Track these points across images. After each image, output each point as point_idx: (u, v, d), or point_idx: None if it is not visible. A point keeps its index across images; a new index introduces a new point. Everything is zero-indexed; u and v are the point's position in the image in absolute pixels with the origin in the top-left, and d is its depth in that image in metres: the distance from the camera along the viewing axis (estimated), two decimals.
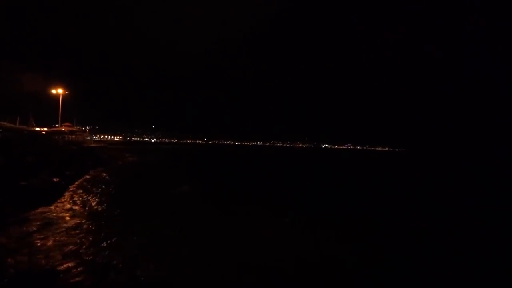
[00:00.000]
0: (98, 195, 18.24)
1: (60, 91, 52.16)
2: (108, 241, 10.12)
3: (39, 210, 13.50)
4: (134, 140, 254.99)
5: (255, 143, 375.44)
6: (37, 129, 46.08)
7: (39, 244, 9.57)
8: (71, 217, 13.00)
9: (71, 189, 19.63)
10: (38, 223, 11.73)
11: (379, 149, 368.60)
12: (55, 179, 19.82)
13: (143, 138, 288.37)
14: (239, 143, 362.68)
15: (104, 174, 28.23)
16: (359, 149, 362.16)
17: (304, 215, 15.61)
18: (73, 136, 51.41)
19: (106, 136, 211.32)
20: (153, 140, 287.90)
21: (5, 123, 34.36)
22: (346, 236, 12.36)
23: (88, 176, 25.95)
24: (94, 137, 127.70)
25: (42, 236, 10.31)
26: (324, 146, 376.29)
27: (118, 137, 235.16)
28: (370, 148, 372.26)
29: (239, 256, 9.63)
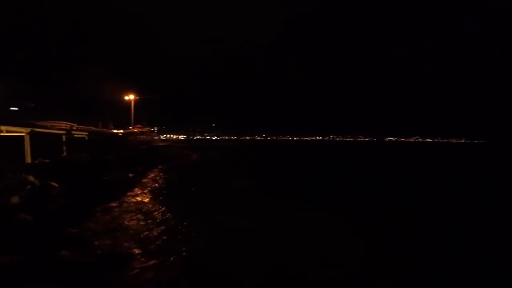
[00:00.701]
0: (166, 188, 20.40)
1: (131, 97, 58.51)
2: (177, 227, 11.57)
3: (119, 199, 15.77)
4: (196, 138, 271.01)
5: (314, 137, 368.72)
6: (115, 131, 52.37)
7: (119, 228, 11.35)
8: (144, 206, 14.95)
9: (143, 182, 22.24)
10: (118, 211, 13.80)
11: (454, 141, 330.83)
12: (130, 174, 22.67)
13: (204, 136, 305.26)
14: (297, 138, 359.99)
15: (170, 170, 31.08)
16: (428, 141, 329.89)
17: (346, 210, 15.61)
18: (143, 137, 57.14)
19: (171, 136, 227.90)
20: (213, 138, 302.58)
21: (91, 127, 39.94)
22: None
23: (156, 171, 28.91)
24: (161, 137, 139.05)
25: (121, 222, 12.17)
26: (389, 139, 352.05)
27: (181, 136, 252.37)
28: (442, 141, 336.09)
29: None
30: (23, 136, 19.47)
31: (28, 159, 19.10)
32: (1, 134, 18.53)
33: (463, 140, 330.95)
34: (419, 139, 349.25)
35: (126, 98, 58.50)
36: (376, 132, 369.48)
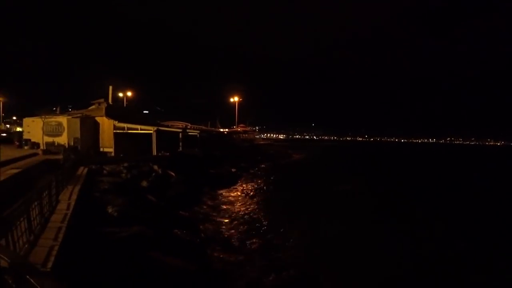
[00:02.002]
0: (266, 185, 21.40)
1: (236, 99, 63.48)
2: (272, 224, 12.06)
3: (222, 191, 17.41)
4: (296, 138, 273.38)
5: (426, 140, 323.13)
6: (221, 130, 57.74)
7: (221, 215, 12.56)
8: (244, 199, 16.10)
9: (244, 177, 23.86)
10: (222, 200, 15.32)
11: None
12: (233, 169, 24.64)
13: (304, 135, 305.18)
14: (405, 140, 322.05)
15: (270, 167, 32.37)
16: None
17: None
18: (246, 135, 61.22)
19: (271, 135, 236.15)
20: (314, 137, 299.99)
21: (202, 126, 45.25)
22: None
23: (257, 168, 30.55)
24: (262, 136, 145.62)
25: (224, 210, 13.44)
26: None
27: (281, 135, 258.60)
28: None
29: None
30: (151, 133, 23.53)
31: (154, 152, 22.96)
32: (138, 131, 22.92)
33: None
34: None
35: (232, 100, 63.73)
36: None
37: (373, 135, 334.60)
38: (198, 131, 38.23)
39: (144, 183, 14.00)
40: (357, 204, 17.40)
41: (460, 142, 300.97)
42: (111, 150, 21.04)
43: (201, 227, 11.00)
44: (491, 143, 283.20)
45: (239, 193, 17.73)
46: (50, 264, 3.82)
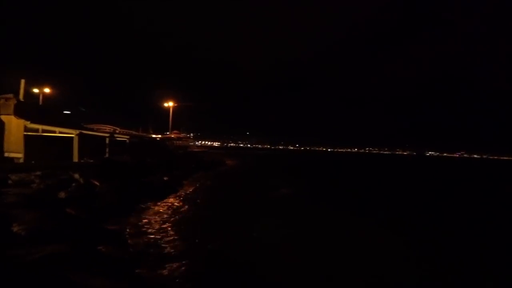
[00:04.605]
0: (202, 193, 20.73)
1: (170, 104, 61.06)
2: (208, 234, 11.61)
3: (155, 201, 16.29)
4: (230, 146, 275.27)
5: (349, 149, 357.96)
6: (154, 136, 54.82)
7: (153, 228, 11.66)
8: (178, 209, 15.27)
9: (178, 186, 22.79)
10: (154, 211, 14.29)
11: (505, 158, 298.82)
12: (165, 178, 23.37)
13: (238, 144, 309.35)
14: (332, 149, 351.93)
15: (207, 176, 31.64)
16: (476, 158, 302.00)
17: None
18: (180, 142, 59.20)
19: (206, 142, 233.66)
20: (248, 146, 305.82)
21: (132, 131, 42.25)
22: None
23: (192, 176, 29.56)
24: (197, 143, 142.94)
25: (156, 222, 12.50)
26: (429, 154, 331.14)
27: (216, 143, 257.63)
28: (492, 157, 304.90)
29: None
30: (72, 137, 21.00)
31: (76, 158, 20.51)
32: (56, 134, 20.19)
33: None
34: (464, 155, 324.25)
35: (166, 105, 61.11)
36: (417, 146, 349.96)
37: (304, 145, 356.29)
38: (127, 137, 35.65)
39: (62, 195, 12.29)
40: (298, 208, 18.03)
41: (377, 152, 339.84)
42: (20, 155, 18.04)
43: (130, 241, 10.04)
44: (400, 153, 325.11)
45: (172, 204, 16.80)
46: None
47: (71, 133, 21.07)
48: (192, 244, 10.23)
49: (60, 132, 20.56)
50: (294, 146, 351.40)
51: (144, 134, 52.48)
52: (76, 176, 14.82)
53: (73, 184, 13.90)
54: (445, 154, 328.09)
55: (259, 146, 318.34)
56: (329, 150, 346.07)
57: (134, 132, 43.54)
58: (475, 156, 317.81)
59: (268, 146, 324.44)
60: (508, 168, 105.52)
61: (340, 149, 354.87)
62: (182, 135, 67.39)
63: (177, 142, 57.68)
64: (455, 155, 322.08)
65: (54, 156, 18.79)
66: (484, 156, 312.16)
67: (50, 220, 8.88)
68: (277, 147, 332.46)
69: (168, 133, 61.72)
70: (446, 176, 55.74)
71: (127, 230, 11.09)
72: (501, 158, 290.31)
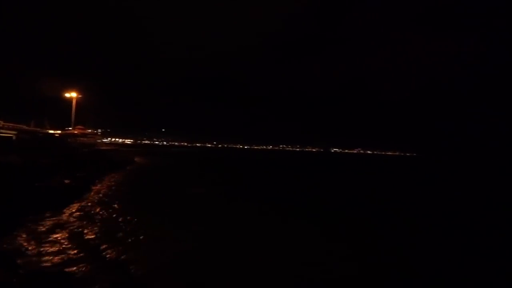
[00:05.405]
0: (110, 196, 18.47)
1: (73, 94, 53.27)
2: (118, 246, 10.25)
3: (53, 210, 13.73)
4: (144, 143, 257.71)
5: (264, 147, 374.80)
6: (51, 131, 46.99)
7: (50, 243, 9.74)
8: (82, 217, 13.19)
9: (83, 190, 19.92)
10: (52, 221, 12.00)
11: (390, 153, 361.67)
12: (66, 181, 20.16)
13: (153, 141, 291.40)
14: (248, 146, 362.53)
15: (117, 176, 28.58)
16: (369, 153, 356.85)
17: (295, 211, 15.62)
18: (85, 139, 52.20)
19: (117, 139, 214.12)
20: (164, 143, 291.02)
21: (21, 125, 35.21)
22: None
23: (100, 177, 26.30)
24: (106, 140, 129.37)
25: (55, 235, 10.49)
26: (334, 150, 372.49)
27: (128, 140, 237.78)
28: (380, 153, 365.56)
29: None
30: None
31: None
32: None
33: (397, 153, 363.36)
34: (361, 151, 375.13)
35: (68, 95, 53.13)
36: (324, 143, 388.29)
37: (221, 142, 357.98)
38: (14, 132, 29.82)
39: None
40: (213, 205, 17.83)
41: (290, 149, 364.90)
42: None
43: (19, 261, 8.18)
44: (310, 149, 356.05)
45: (75, 211, 14.55)
46: None
47: None
48: (94, 259, 8.85)
49: None
50: (212, 143, 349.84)
51: (38, 129, 44.52)
52: None
53: None
54: (346, 151, 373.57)
55: (176, 143, 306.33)
56: (245, 147, 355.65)
57: (25, 127, 36.40)
58: (368, 152, 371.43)
59: (186, 144, 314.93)
60: (389, 160, 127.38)
61: (256, 146, 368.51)
62: (89, 131, 59.80)
63: (82, 139, 50.72)
64: (354, 151, 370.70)
65: None
66: (375, 152, 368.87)
67: None
68: (194, 144, 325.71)
69: (70, 128, 53.89)
70: (332, 165, 63.20)
71: (15, 248, 9.01)
72: (387, 153, 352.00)
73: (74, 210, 14.49)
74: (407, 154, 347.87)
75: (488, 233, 14.82)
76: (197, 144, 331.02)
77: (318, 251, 10.77)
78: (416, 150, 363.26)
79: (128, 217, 13.68)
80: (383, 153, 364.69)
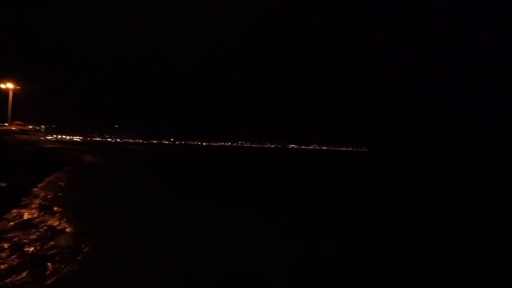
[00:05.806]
0: (56, 200, 16.75)
1: (10, 85, 47.83)
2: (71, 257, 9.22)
3: None
4: (96, 140, 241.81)
5: (222, 143, 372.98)
6: None
7: None
8: (23, 225, 11.68)
9: (23, 194, 17.80)
10: None
11: (343, 149, 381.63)
12: (3, 184, 17.90)
13: (105, 138, 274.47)
14: (206, 143, 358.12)
15: (64, 178, 26.18)
16: (324, 149, 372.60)
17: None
18: (26, 136, 47.25)
19: (64, 136, 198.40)
20: (118, 140, 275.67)
21: None
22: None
23: (44, 179, 23.85)
24: (50, 137, 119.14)
25: None
26: (291, 147, 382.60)
27: (77, 137, 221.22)
28: (334, 149, 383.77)
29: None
30: None
31: None
32: None
33: (350, 149, 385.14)
34: (317, 147, 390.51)
35: (3, 86, 47.56)
36: (282, 140, 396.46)
37: (178, 139, 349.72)
38: None
39: None
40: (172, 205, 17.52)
41: (248, 145, 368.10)
42: None
43: None
44: (268, 146, 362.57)
45: (14, 219, 12.89)
46: None
47: None
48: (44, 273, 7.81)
49: None
50: (168, 140, 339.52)
51: None
52: None
53: None
54: (303, 147, 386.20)
55: (131, 140, 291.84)
56: (204, 144, 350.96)
57: None
58: (324, 148, 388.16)
59: (141, 141, 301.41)
60: (343, 155, 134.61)
61: (214, 143, 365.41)
62: (30, 127, 54.33)
63: (22, 136, 45.80)
64: (310, 147, 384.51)
65: None
66: (330, 148, 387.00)
67: None
68: (150, 141, 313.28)
69: (6, 124, 48.50)
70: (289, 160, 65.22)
71: None
72: (340, 149, 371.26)
73: (10, 219, 12.76)
74: (359, 150, 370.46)
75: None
76: (153, 141, 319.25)
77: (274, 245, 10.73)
78: (367, 146, 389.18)
79: (73, 226, 12.34)
80: (337, 148, 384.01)
